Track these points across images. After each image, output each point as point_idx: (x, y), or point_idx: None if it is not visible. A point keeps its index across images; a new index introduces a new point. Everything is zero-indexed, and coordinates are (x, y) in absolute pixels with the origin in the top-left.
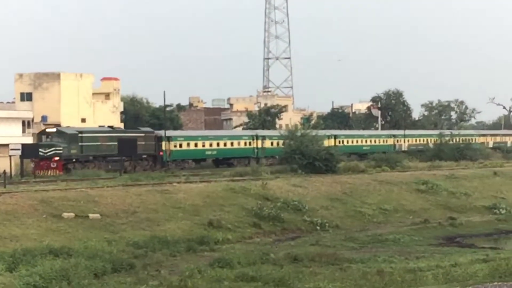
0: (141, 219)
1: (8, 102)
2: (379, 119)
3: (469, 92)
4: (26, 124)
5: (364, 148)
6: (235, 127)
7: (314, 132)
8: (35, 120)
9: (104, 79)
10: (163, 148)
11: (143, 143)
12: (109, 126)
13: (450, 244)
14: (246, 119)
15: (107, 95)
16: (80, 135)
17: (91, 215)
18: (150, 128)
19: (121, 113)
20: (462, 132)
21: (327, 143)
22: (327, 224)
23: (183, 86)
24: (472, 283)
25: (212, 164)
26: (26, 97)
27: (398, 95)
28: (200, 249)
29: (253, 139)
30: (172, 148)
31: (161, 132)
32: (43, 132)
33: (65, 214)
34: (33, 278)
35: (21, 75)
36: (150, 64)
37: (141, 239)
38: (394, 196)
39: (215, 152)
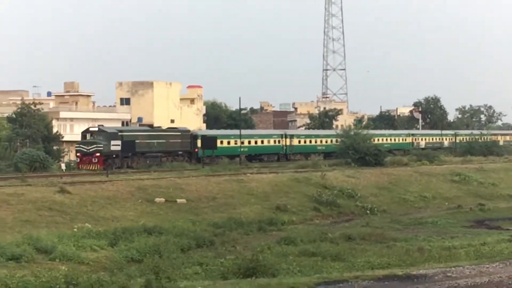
0: (220, 203)
1: (110, 106)
2: (420, 121)
3: (497, 97)
4: (125, 124)
5: (385, 145)
6: (299, 127)
7: (364, 132)
8: (132, 121)
9: (189, 86)
10: (198, 145)
11: (180, 141)
12: (149, 126)
13: (479, 226)
14: (308, 121)
15: (192, 100)
16: (120, 133)
17: (178, 200)
18: (229, 128)
19: (204, 115)
20: (490, 132)
21: None
22: (375, 209)
23: (255, 92)
24: (498, 260)
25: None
26: (125, 101)
27: (436, 100)
28: (269, 229)
29: (282, 138)
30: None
31: (197, 131)
32: (87, 131)
33: (157, 199)
34: (131, 252)
35: (121, 83)
36: (228, 73)
37: (220, 220)
38: (433, 185)
39: (246, 149)
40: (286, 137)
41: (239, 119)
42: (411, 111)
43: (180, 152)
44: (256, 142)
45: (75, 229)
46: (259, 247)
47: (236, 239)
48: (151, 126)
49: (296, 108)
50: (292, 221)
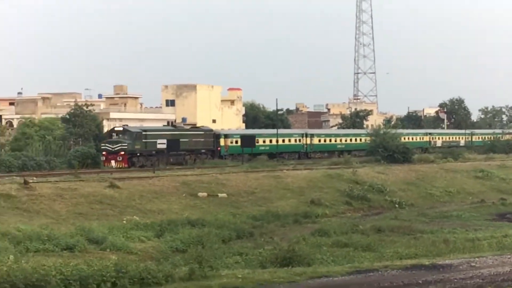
0: (258, 197)
1: (156, 107)
2: (445, 121)
3: None
4: (170, 124)
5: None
6: (332, 126)
7: (393, 131)
8: (177, 121)
9: (230, 89)
10: (221, 144)
11: (203, 140)
12: (172, 125)
13: (501, 220)
14: (340, 121)
15: (232, 102)
16: (144, 133)
17: (220, 195)
18: (266, 128)
19: (243, 115)
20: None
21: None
22: (403, 203)
23: (291, 94)
24: None
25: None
26: (170, 103)
27: (460, 101)
28: (304, 222)
29: (302, 137)
30: (229, 144)
31: (220, 130)
32: (112, 131)
33: (200, 194)
34: (176, 243)
35: (166, 86)
36: (266, 76)
37: (258, 213)
38: (457, 181)
39: (267, 148)
40: (306, 136)
41: (276, 119)
42: (436, 112)
43: (203, 151)
44: (277, 141)
45: (124, 221)
46: (295, 238)
47: (273, 231)
48: (194, 125)
49: (329, 109)
50: (325, 214)
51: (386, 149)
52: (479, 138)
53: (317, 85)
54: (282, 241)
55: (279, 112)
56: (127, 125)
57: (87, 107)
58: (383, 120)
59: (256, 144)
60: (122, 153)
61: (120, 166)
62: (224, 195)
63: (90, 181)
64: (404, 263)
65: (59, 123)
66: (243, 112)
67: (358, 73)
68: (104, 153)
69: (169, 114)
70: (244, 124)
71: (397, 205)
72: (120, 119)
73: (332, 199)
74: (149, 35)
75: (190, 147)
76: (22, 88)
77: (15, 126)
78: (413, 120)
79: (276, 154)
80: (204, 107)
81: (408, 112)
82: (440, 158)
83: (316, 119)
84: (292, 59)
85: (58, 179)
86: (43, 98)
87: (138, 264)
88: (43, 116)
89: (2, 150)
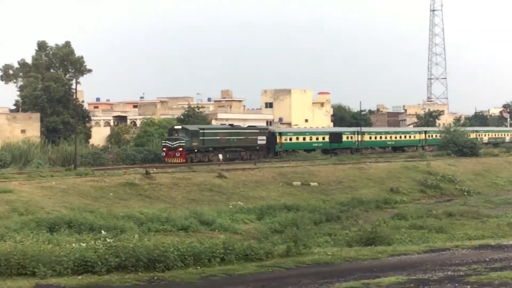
0: (344, 186)
1: (256, 109)
2: (508, 120)
3: None
4: (269, 123)
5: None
6: (408, 125)
7: (462, 129)
8: (274, 120)
9: (320, 93)
10: (276, 141)
11: (258, 137)
12: (229, 125)
13: None
14: (415, 120)
15: (322, 104)
16: (201, 131)
17: (311, 183)
18: (351, 126)
19: (331, 116)
20: None
21: (419, 136)
22: (471, 191)
23: (373, 96)
24: None
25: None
26: (269, 105)
27: None
28: (385, 207)
29: (354, 134)
30: (283, 141)
31: (275, 129)
32: (172, 129)
33: (295, 183)
34: (274, 225)
35: (265, 91)
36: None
37: (345, 200)
38: None
39: (321, 144)
40: (358, 134)
41: (359, 119)
42: (500, 112)
43: (258, 147)
44: (347, 137)
45: (230, 206)
46: (376, 221)
47: (358, 215)
48: (289, 124)
49: (405, 110)
50: (403, 201)
51: (456, 144)
52: None
53: (395, 89)
54: (366, 223)
55: (363, 113)
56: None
57: (198, 109)
58: (453, 119)
59: (309, 141)
60: (180, 149)
61: (179, 161)
62: (315, 184)
63: (202, 172)
64: (473, 243)
65: (175, 123)
66: (331, 112)
67: (431, 78)
68: (164, 149)
69: (268, 115)
70: (332, 123)
71: (466, 193)
72: (226, 119)
73: (408, 187)
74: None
75: (245, 144)
76: (144, 94)
77: (138, 125)
78: (479, 119)
79: (329, 150)
80: (298, 108)
81: (475, 112)
82: (504, 152)
83: (394, 118)
84: (374, 65)
85: (174, 170)
86: (161, 102)
87: (243, 243)
88: (162, 116)
89: (128, 145)
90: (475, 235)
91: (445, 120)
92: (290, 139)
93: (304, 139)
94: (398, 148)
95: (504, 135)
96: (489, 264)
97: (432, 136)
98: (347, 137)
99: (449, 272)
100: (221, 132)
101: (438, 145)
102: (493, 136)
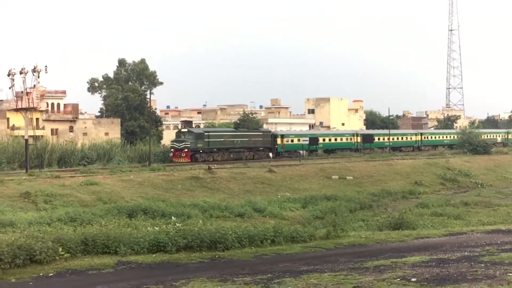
0: (375, 179)
1: (301, 114)
2: None
3: None
4: (311, 126)
5: (445, 141)
6: (430, 127)
7: (476, 130)
8: (316, 124)
9: (354, 101)
10: (278, 142)
11: (261, 139)
12: (234, 127)
13: None
14: (436, 123)
15: (356, 110)
16: (206, 133)
17: (347, 177)
18: (382, 129)
19: (364, 120)
20: None
21: (415, 138)
22: (484, 184)
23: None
24: None
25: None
26: (311, 111)
27: None
28: (410, 197)
29: (353, 136)
30: (284, 142)
31: (278, 131)
32: (180, 132)
33: (333, 177)
34: (316, 212)
35: (308, 99)
36: (381, 89)
37: (376, 191)
38: None
39: (321, 145)
40: (357, 136)
41: (388, 123)
42: (509, 116)
43: (261, 148)
44: (330, 140)
45: (279, 196)
46: (403, 209)
47: (387, 204)
48: (328, 127)
49: (427, 115)
50: (425, 192)
51: (471, 144)
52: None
53: (419, 96)
54: (394, 211)
55: (391, 118)
56: (192, 127)
57: (252, 115)
58: (468, 123)
59: (319, 141)
60: (186, 150)
61: (184, 161)
62: (350, 177)
63: (255, 167)
64: (486, 228)
65: (232, 126)
66: (364, 117)
67: (449, 88)
68: (172, 150)
69: (310, 120)
70: (365, 126)
71: (479, 185)
72: (276, 123)
73: (430, 180)
74: (294, 63)
75: (249, 145)
76: (206, 102)
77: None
78: (491, 122)
79: (330, 151)
80: (336, 114)
81: (487, 117)
82: None
83: (418, 122)
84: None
85: (232, 166)
86: (221, 109)
87: (290, 227)
88: (221, 121)
89: None
90: (488, 221)
91: (462, 123)
92: (292, 140)
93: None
94: (396, 149)
95: (496, 136)
96: (500, 246)
97: (427, 137)
98: (347, 139)
99: (466, 252)
100: (226, 134)
101: (455, 145)
102: (486, 137)
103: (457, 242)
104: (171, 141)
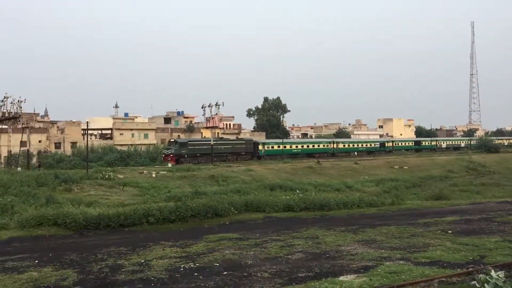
0: (422, 168)
1: (374, 129)
2: None
3: None
4: (380, 136)
5: (443, 146)
6: (458, 135)
7: (490, 138)
8: (383, 135)
9: (408, 120)
10: (259, 148)
11: (244, 146)
12: (219, 138)
13: None
14: (462, 134)
15: (409, 126)
16: (190, 142)
17: (404, 167)
18: (418, 138)
19: (415, 133)
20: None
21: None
22: (495, 172)
23: (437, 119)
24: None
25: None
26: (380, 127)
27: None
28: (445, 179)
29: (330, 143)
30: (265, 148)
31: (259, 140)
32: (169, 142)
33: (395, 166)
34: (384, 188)
35: (379, 119)
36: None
37: (423, 176)
38: None
39: (300, 150)
40: (333, 143)
41: (431, 134)
42: None
43: (243, 153)
44: (308, 146)
45: (361, 179)
46: (441, 187)
47: (430, 184)
48: (391, 137)
49: (456, 128)
50: (455, 176)
51: (486, 146)
52: (469, 142)
53: (451, 114)
54: (435, 188)
55: (432, 130)
56: (179, 137)
57: (344, 129)
58: (484, 133)
59: (286, 148)
60: (171, 155)
61: (171, 165)
62: (406, 167)
63: (345, 161)
64: (498, 200)
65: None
66: (414, 130)
67: (471, 111)
68: (163, 155)
69: (380, 132)
70: (415, 136)
71: (492, 173)
72: (359, 135)
73: (458, 169)
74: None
75: (232, 151)
76: (316, 121)
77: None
78: (500, 133)
79: (309, 155)
80: (397, 128)
81: (497, 129)
82: None
83: (449, 133)
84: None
85: (334, 159)
86: (325, 125)
87: (368, 197)
88: (325, 133)
89: None
90: (498, 196)
91: (479, 133)
92: (272, 147)
93: (285, 147)
94: (369, 153)
95: (460, 142)
96: (508, 212)
97: (424, 143)
98: (324, 145)
99: (484, 215)
100: (208, 143)
101: (475, 146)
102: (450, 143)
103: (478, 208)
104: (163, 148)
